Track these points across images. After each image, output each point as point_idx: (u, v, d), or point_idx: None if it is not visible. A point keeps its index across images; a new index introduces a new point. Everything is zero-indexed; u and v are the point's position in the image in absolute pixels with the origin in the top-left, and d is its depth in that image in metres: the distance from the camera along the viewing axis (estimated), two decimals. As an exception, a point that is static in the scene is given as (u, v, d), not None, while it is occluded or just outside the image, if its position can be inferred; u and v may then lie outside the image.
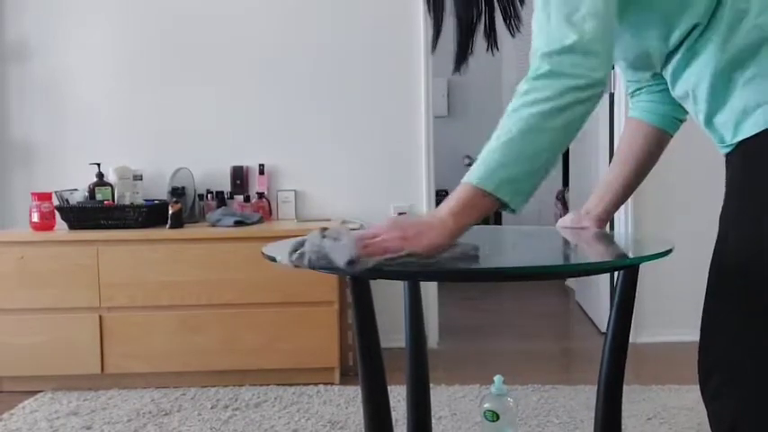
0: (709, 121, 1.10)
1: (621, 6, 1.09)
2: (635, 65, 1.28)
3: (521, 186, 1.02)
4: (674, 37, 1.11)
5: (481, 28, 1.30)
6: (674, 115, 1.36)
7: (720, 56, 1.05)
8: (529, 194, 1.03)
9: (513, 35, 1.31)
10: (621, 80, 3.36)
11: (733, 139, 1.06)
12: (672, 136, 1.38)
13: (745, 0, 1.04)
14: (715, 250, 1.08)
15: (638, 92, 1.38)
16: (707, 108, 1.09)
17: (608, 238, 1.53)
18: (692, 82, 1.10)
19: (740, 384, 1.02)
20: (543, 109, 1.00)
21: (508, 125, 1.02)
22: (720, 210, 1.09)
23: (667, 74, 1.18)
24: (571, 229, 1.46)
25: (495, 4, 1.30)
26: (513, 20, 1.31)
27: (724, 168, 1.12)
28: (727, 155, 1.10)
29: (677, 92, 1.17)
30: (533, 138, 1.01)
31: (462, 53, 1.31)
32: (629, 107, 1.41)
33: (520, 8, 1.30)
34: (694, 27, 1.08)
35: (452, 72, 1.32)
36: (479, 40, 1.31)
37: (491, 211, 1.04)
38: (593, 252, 1.39)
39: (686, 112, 1.34)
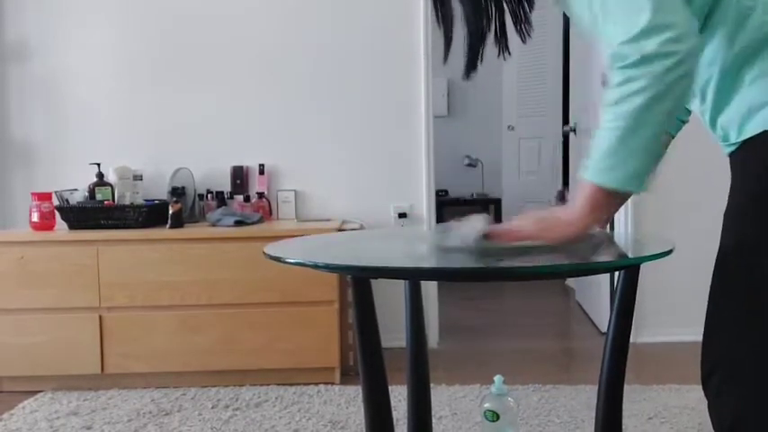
0: (714, 119, 1.10)
1: None
2: None
3: (643, 175, 1.04)
4: None
5: (491, 34, 1.30)
6: (678, 116, 1.35)
7: (727, 53, 1.05)
8: (651, 175, 1.05)
9: (524, 41, 1.30)
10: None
11: (738, 137, 1.06)
12: (674, 137, 1.38)
13: None
14: (720, 248, 1.07)
15: None
16: (713, 106, 1.09)
17: (608, 238, 1.53)
18: (700, 81, 1.09)
19: (741, 382, 1.02)
20: (646, 99, 0.99)
21: (615, 121, 1.02)
22: (725, 208, 1.09)
23: None
24: None
25: (506, 9, 1.29)
26: (524, 25, 1.31)
27: (724, 168, 1.12)
28: (732, 154, 1.09)
29: None
30: (644, 130, 1.01)
31: (473, 61, 1.31)
32: None
33: (529, 12, 1.30)
34: None
35: (462, 78, 1.31)
36: (489, 47, 1.31)
37: (623, 201, 1.11)
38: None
39: (689, 113, 1.33)
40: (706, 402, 1.08)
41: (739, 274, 1.03)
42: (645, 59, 0.98)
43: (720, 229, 1.08)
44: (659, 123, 1.01)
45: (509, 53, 1.31)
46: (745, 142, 1.05)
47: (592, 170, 1.06)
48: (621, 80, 1.01)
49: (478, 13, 1.27)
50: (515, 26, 1.31)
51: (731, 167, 1.10)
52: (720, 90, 1.07)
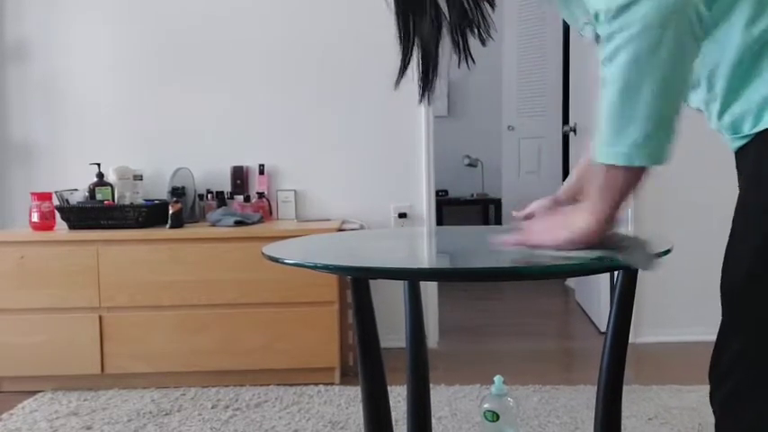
0: (724, 110, 0.99)
1: None
2: None
3: (652, 143, 0.90)
4: None
5: (446, 41, 1.19)
6: None
7: (745, 36, 0.94)
8: (668, 142, 0.90)
9: (483, 44, 1.22)
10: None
11: (753, 128, 0.95)
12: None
13: None
14: (731, 246, 0.98)
15: None
16: (724, 95, 0.98)
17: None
18: (707, 66, 0.99)
19: (764, 386, 0.94)
20: (637, 50, 0.87)
21: (607, 83, 0.90)
22: (736, 206, 0.98)
23: None
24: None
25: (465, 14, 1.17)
26: (482, 29, 1.18)
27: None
28: (741, 148, 0.99)
29: None
30: (637, 92, 0.88)
31: (426, 76, 1.21)
32: None
33: (488, 15, 1.18)
34: None
35: (418, 102, 1.22)
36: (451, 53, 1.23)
37: (638, 182, 0.94)
38: (592, 252, 1.38)
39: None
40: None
41: (760, 271, 0.93)
42: (624, 7, 0.86)
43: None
44: (655, 79, 0.87)
45: (473, 61, 1.20)
46: (760, 134, 0.94)
47: (594, 149, 0.93)
48: (609, 32, 0.88)
49: (423, 14, 1.16)
50: (472, 31, 1.18)
51: (740, 161, 1.00)
52: (735, 77, 0.96)
